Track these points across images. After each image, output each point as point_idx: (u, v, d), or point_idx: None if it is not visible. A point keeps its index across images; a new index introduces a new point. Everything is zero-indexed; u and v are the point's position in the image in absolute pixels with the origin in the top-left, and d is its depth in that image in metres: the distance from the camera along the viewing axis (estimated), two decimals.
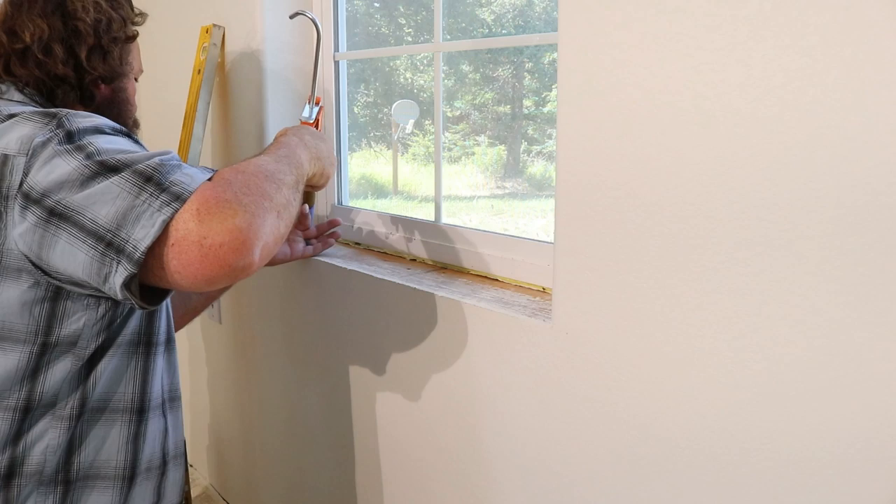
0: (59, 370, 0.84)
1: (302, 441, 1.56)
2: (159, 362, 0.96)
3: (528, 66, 1.81)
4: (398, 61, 2.01)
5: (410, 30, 1.92)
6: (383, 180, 2.29)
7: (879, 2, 0.64)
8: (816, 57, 0.68)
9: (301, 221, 1.33)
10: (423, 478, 1.23)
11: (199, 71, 1.57)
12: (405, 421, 1.24)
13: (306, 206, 1.34)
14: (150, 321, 0.94)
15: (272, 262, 1.24)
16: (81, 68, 0.94)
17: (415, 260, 1.35)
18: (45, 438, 0.85)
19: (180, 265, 0.69)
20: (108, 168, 0.73)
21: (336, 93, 1.52)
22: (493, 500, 1.10)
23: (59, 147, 0.75)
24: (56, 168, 0.73)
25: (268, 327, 1.60)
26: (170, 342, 0.99)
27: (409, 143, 2.19)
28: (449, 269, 1.28)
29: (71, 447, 0.87)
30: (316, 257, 1.38)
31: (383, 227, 1.43)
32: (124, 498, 0.92)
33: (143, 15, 1.04)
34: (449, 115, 1.84)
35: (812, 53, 0.68)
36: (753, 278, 0.75)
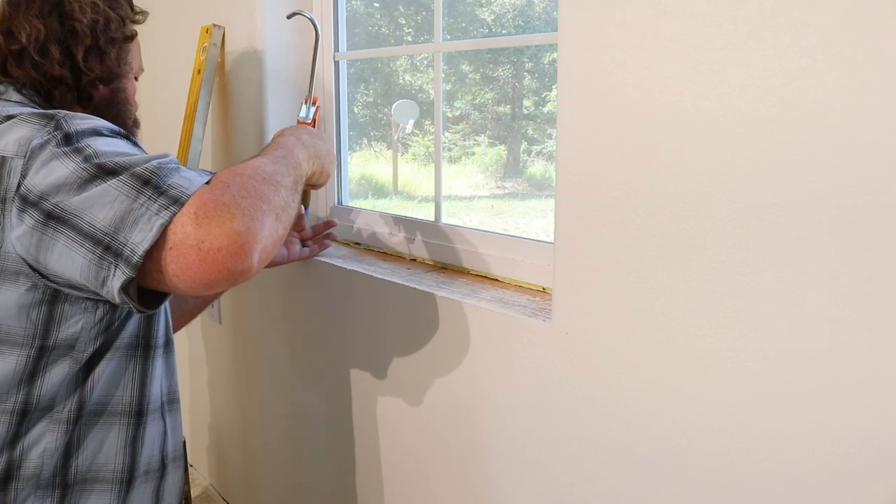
0: (57, 373, 0.84)
1: (302, 441, 1.56)
2: (158, 365, 0.96)
3: (528, 66, 1.81)
4: (398, 61, 2.01)
5: (410, 30, 1.92)
6: (383, 180, 2.29)
7: (879, 2, 0.64)
8: (816, 57, 0.68)
9: (297, 223, 1.32)
10: (422, 477, 1.23)
11: (199, 71, 1.56)
12: (405, 421, 1.24)
13: (301, 206, 1.33)
14: (148, 324, 0.93)
15: (269, 265, 1.23)
16: (78, 69, 0.93)
17: (415, 260, 1.35)
18: (43, 442, 0.85)
19: (178, 269, 0.68)
20: (106, 171, 0.72)
21: (336, 93, 1.52)
22: (493, 500, 1.10)
23: (57, 149, 0.75)
24: (54, 171, 0.73)
25: (268, 327, 1.60)
26: (168, 345, 0.99)
27: (409, 143, 2.19)
28: (449, 269, 1.28)
29: (68, 450, 0.87)
30: (316, 257, 1.38)
31: (383, 227, 1.43)
32: (122, 501, 0.91)
33: (143, 13, 1.03)
34: (449, 115, 1.84)
35: (812, 53, 0.68)
36: (753, 278, 0.75)
